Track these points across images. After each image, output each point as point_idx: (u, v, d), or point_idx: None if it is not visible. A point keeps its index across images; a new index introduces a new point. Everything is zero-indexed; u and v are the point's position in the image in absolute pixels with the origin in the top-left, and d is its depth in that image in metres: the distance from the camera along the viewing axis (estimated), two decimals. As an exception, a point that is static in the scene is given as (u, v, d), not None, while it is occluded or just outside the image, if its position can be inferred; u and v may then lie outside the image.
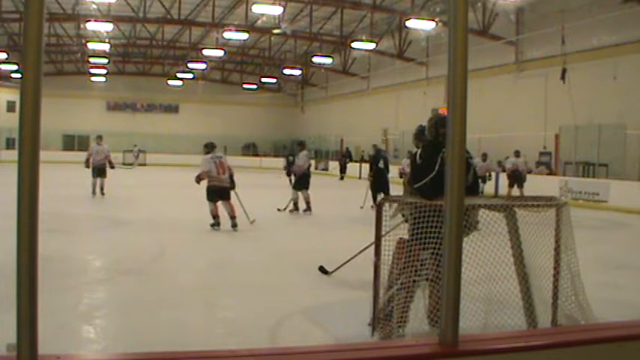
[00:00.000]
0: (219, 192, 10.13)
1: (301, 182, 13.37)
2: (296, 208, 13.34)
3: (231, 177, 10.24)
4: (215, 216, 10.13)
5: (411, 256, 4.13)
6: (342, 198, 18.67)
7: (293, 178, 13.59)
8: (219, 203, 10.18)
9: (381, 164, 14.20)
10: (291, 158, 28.38)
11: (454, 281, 1.68)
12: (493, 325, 3.95)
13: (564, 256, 4.12)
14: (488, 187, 18.30)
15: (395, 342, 3.44)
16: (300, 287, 6.35)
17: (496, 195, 16.44)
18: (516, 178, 17.33)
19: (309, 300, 5.72)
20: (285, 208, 13.37)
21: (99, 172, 15.19)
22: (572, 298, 4.07)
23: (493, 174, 18.90)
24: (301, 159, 13.69)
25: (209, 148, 10.42)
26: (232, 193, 10.30)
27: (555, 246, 4.14)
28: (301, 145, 14.24)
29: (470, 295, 3.74)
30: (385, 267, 4.23)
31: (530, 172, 19.57)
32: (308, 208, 13.29)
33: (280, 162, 35.72)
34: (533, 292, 4.16)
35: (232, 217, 10.08)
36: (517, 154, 17.77)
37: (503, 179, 18.27)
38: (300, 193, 13.36)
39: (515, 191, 16.98)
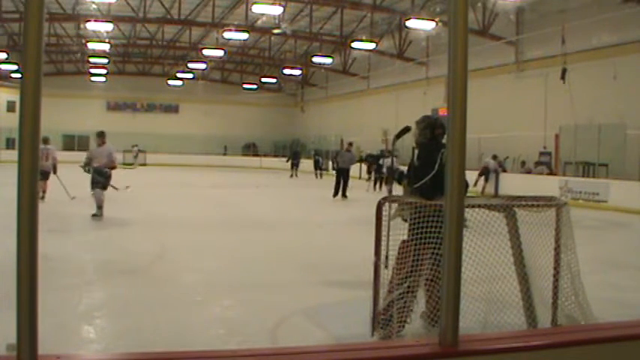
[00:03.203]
0: (42, 174, 12.70)
1: (100, 181, 11.08)
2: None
3: (54, 165, 13.61)
4: (43, 191, 12.97)
5: (416, 260, 4.12)
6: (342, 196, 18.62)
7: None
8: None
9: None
10: (317, 157, 28.96)
11: (454, 281, 1.68)
12: (493, 324, 3.95)
13: (564, 256, 4.11)
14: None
15: (395, 342, 3.44)
16: (300, 287, 6.35)
17: (496, 195, 16.47)
18: (484, 173, 19.86)
19: (309, 300, 5.72)
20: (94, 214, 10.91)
21: None
22: (572, 298, 4.07)
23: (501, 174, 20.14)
24: (106, 154, 11.22)
25: (43, 141, 12.85)
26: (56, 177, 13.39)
27: (555, 246, 4.13)
28: (101, 136, 11.35)
29: (470, 295, 3.74)
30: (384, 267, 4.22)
31: (527, 171, 20.30)
32: (98, 213, 11.05)
33: (280, 162, 35.95)
34: (533, 292, 4.15)
35: (43, 191, 12.91)
36: (494, 157, 20.27)
37: (503, 178, 19.52)
38: (96, 191, 11.08)
39: (481, 183, 19.95)
